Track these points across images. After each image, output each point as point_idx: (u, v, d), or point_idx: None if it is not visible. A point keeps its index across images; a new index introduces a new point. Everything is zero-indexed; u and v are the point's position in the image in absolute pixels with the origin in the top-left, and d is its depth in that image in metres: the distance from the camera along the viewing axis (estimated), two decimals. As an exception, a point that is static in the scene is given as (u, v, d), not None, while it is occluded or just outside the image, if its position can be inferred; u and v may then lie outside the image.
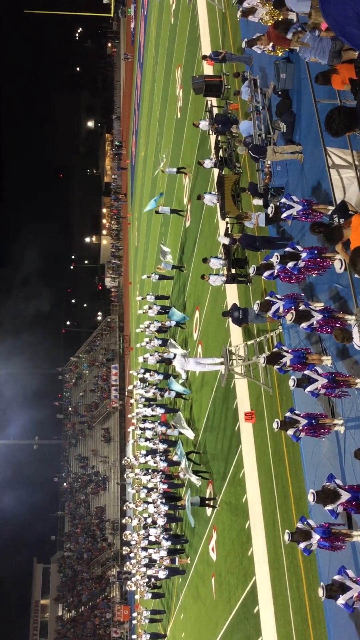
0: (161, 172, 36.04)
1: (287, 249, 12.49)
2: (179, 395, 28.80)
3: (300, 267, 11.99)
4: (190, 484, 24.58)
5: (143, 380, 31.93)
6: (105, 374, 78.13)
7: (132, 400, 37.05)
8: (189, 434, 25.75)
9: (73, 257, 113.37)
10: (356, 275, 9.07)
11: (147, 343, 31.99)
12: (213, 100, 22.71)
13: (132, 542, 33.17)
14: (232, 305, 18.19)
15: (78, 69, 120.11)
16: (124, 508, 39.96)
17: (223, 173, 20.45)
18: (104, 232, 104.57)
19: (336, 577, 9.81)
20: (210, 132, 22.53)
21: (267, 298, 13.02)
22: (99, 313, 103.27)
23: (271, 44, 14.08)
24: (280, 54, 14.32)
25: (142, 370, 32.61)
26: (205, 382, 25.09)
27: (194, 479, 23.55)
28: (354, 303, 10.14)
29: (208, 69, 25.57)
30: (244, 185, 18.74)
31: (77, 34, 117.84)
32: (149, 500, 29.52)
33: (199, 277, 22.71)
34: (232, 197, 19.45)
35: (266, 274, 13.02)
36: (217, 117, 20.65)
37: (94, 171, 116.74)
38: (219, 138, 21.21)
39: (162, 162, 32.32)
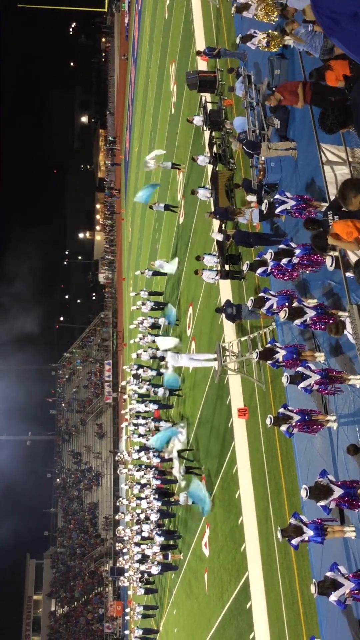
0: (157, 167, 35.80)
1: (281, 245, 12.49)
2: (172, 392, 28.79)
3: (294, 264, 12.00)
4: (187, 478, 24.50)
5: (136, 376, 31.90)
6: (98, 370, 78.07)
7: (125, 396, 37.01)
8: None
9: (67, 252, 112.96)
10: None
11: (140, 339, 31.95)
12: (207, 96, 22.65)
13: (125, 538, 33.18)
14: (226, 302, 18.19)
15: (72, 64, 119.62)
16: (117, 504, 39.94)
17: (217, 169, 20.41)
18: (98, 227, 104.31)
19: (328, 574, 9.84)
20: (205, 128, 22.48)
21: (261, 294, 13.02)
22: (94, 297, 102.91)
23: (266, 39, 14.06)
24: (274, 50, 14.29)
25: (136, 367, 32.59)
26: (199, 378, 25.10)
27: (179, 476, 23.63)
28: (347, 300, 10.13)
29: (202, 65, 25.48)
30: (237, 181, 18.73)
31: (71, 29, 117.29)
32: (142, 496, 29.54)
33: (193, 273, 22.69)
34: (225, 193, 19.44)
35: (260, 270, 13.01)
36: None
37: (88, 167, 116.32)
38: (213, 134, 21.16)
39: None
